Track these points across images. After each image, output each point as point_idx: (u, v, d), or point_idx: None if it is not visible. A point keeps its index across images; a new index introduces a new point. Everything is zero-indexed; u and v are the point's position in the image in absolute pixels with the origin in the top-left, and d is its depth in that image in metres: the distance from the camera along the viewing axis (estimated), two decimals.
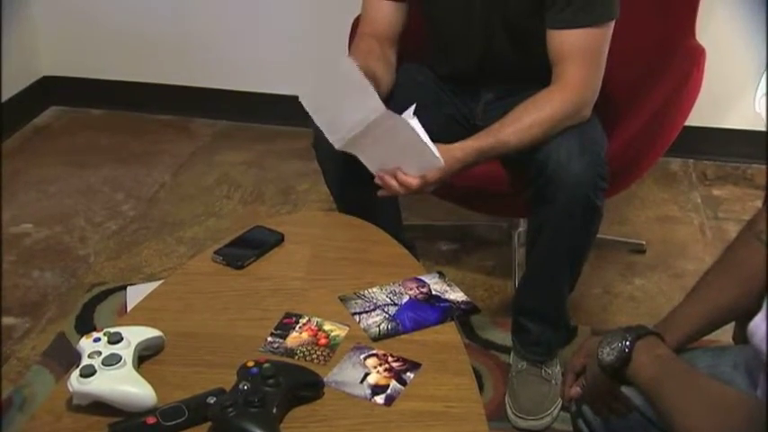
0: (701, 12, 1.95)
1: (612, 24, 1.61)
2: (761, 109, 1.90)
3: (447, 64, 1.86)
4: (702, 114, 2.27)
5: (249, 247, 1.51)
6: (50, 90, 3.12)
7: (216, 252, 1.49)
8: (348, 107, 1.49)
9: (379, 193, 1.59)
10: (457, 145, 1.57)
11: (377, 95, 1.46)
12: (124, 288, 2.13)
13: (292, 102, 2.82)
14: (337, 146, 1.54)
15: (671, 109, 1.83)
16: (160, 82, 3.08)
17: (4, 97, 2.86)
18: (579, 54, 1.60)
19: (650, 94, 1.81)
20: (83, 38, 3.05)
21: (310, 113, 1.55)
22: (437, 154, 1.51)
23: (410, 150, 1.51)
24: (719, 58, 2.02)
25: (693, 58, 1.86)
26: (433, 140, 1.52)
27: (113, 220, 2.48)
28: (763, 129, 2.13)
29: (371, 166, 1.57)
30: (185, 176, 2.73)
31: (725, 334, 1.25)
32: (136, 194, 2.61)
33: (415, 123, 1.48)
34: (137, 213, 2.51)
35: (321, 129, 1.56)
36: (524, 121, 1.58)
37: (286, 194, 2.62)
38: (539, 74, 1.65)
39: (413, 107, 1.51)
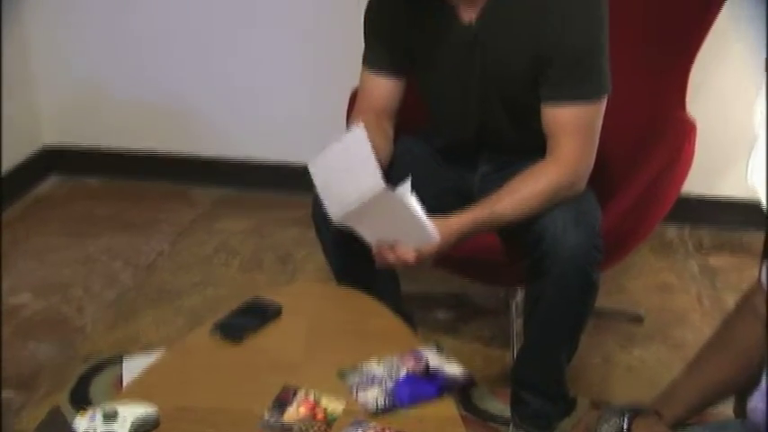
0: (691, 82, 1.99)
1: (605, 99, 1.64)
2: (754, 181, 1.93)
3: (444, 136, 1.88)
4: (697, 183, 2.29)
5: (247, 319, 1.51)
6: (51, 159, 3.15)
7: (214, 325, 1.49)
8: (351, 179, 1.51)
9: (377, 264, 1.60)
10: (453, 218, 1.58)
11: (379, 171, 1.48)
12: (121, 359, 2.11)
13: (291, 170, 2.90)
14: (335, 219, 1.56)
15: (663, 183, 1.84)
16: (160, 151, 3.11)
17: (6, 167, 2.89)
18: (573, 129, 1.62)
19: (642, 169, 1.83)
20: (84, 107, 3.09)
21: (314, 180, 1.57)
22: (433, 232, 1.53)
23: (407, 227, 1.53)
24: (711, 127, 2.05)
25: (684, 132, 1.88)
26: (431, 213, 1.54)
27: (111, 289, 2.48)
28: (757, 198, 2.15)
29: (369, 239, 1.58)
30: (184, 245, 2.74)
31: (725, 406, 1.24)
32: (134, 263, 2.62)
33: (413, 200, 1.50)
34: (135, 282, 2.51)
35: (321, 198, 1.58)
36: (520, 194, 1.60)
37: (284, 263, 2.63)
38: (535, 146, 1.68)
39: (409, 181, 1.53)
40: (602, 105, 1.64)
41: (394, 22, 1.76)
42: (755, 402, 0.91)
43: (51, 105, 3.10)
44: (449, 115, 1.84)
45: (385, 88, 1.79)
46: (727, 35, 2.19)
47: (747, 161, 2.24)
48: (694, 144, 1.88)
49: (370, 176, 1.48)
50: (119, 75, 3.02)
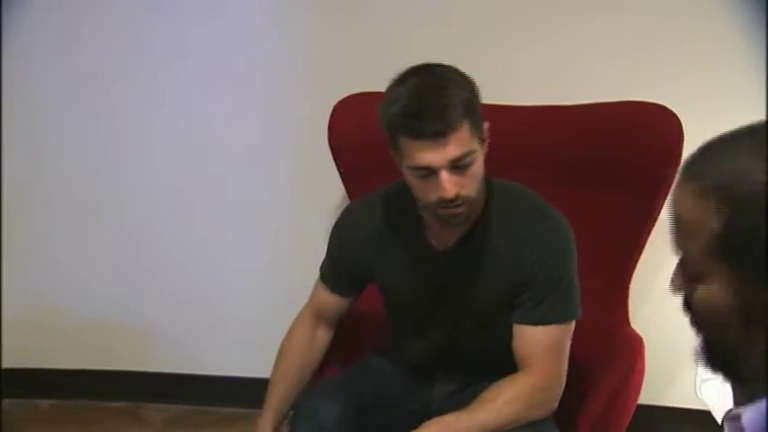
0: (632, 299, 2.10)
1: (574, 322, 1.73)
2: (702, 395, 2.00)
3: (405, 351, 1.91)
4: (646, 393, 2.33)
5: None
6: (2, 383, 3.04)
7: None
8: None
9: None
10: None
11: None
12: None
13: (247, 385, 2.83)
14: None
15: (620, 401, 1.89)
16: (113, 368, 3.05)
17: None
18: (545, 349, 1.69)
19: (598, 390, 1.87)
20: (37, 329, 3.04)
21: None
22: None
23: None
24: (654, 340, 2.11)
25: (633, 348, 1.96)
26: None
27: None
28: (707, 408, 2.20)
29: None
30: None
31: None
32: None
33: None
34: None
35: None
36: (502, 398, 1.65)
37: None
38: (500, 361, 1.73)
39: None
40: (572, 328, 1.72)
41: (361, 246, 1.82)
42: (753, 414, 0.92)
43: (7, 329, 3.01)
44: (414, 329, 1.87)
45: (330, 302, 1.91)
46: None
47: (693, 375, 2.29)
48: (644, 360, 1.95)
49: None
50: (75, 293, 3.00)
